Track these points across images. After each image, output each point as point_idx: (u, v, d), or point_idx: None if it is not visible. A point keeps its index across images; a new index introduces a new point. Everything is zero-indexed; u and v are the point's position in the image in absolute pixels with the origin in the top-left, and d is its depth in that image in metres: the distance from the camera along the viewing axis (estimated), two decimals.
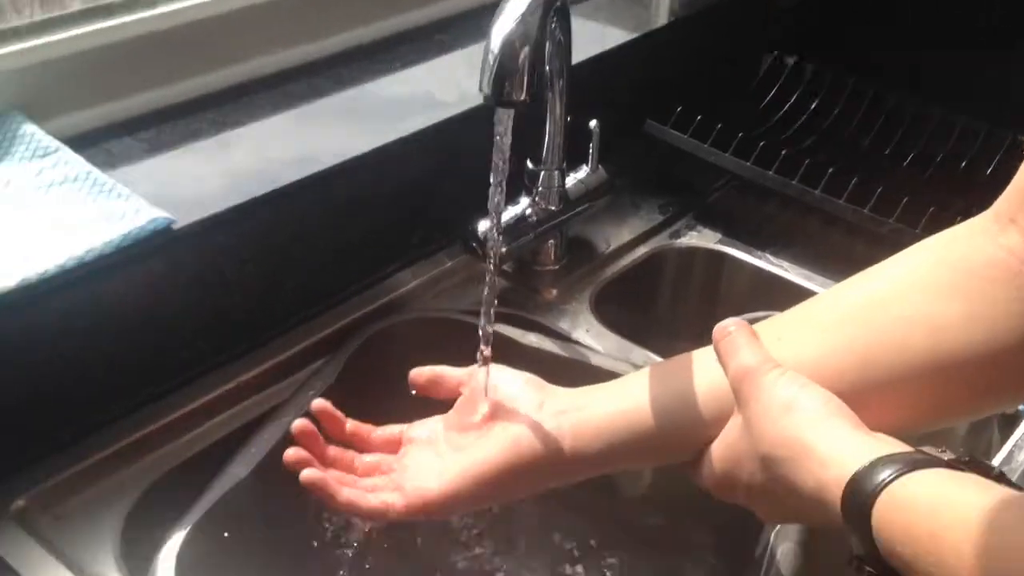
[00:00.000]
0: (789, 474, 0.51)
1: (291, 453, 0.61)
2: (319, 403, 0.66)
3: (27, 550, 0.64)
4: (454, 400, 0.66)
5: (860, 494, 0.47)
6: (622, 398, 0.61)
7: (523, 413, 0.62)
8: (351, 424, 0.67)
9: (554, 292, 0.94)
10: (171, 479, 0.72)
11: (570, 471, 0.62)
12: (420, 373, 0.68)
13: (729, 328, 0.58)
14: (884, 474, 0.46)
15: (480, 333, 0.65)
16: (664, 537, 0.85)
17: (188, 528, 0.65)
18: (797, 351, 0.57)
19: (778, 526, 0.69)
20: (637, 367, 0.76)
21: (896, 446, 0.49)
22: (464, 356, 0.67)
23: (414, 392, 0.68)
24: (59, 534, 0.66)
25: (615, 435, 0.60)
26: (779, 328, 0.60)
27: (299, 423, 0.63)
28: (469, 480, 0.61)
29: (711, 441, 0.58)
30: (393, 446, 0.66)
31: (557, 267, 0.97)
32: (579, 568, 0.84)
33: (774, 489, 0.53)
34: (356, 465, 0.64)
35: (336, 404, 0.78)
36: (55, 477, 0.69)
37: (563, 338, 0.88)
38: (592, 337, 0.88)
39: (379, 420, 0.76)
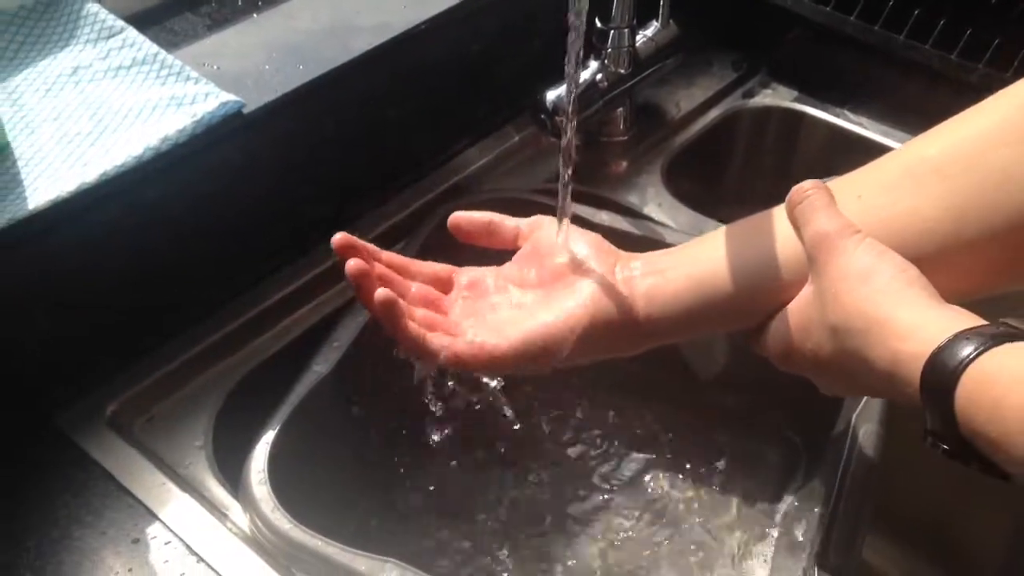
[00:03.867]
0: (862, 347, 0.49)
1: (352, 264, 0.57)
2: (339, 237, 0.59)
3: (122, 453, 0.66)
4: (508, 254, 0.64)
5: (942, 370, 0.44)
6: (696, 262, 0.59)
7: (596, 274, 0.59)
8: (387, 255, 0.62)
9: (624, 165, 0.92)
10: (257, 376, 0.72)
11: (641, 338, 0.60)
12: (469, 217, 0.64)
13: (807, 190, 0.54)
14: (968, 349, 0.44)
15: (559, 195, 0.61)
16: (742, 418, 0.85)
17: (276, 429, 0.66)
18: (880, 210, 0.54)
19: (860, 407, 0.69)
20: None
21: (975, 319, 0.47)
22: None
23: (458, 238, 0.64)
24: (151, 436, 0.67)
25: (689, 300, 0.58)
26: (859, 185, 0.56)
27: (337, 237, 0.58)
28: (538, 338, 0.57)
29: (782, 307, 0.56)
30: (441, 284, 0.63)
31: (626, 137, 0.94)
32: (656, 449, 0.85)
33: (843, 361, 0.51)
34: (406, 292, 0.61)
35: None
36: (145, 380, 0.70)
37: (635, 214, 0.85)
38: (664, 212, 0.86)
39: None
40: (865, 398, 0.68)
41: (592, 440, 0.85)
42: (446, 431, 0.77)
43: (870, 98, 0.99)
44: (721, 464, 0.83)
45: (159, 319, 0.71)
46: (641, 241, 0.82)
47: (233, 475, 0.65)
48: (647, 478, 0.84)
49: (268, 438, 0.65)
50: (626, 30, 0.88)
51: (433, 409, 0.66)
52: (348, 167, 0.80)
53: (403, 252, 0.79)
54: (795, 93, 1.01)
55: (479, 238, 0.64)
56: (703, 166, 0.97)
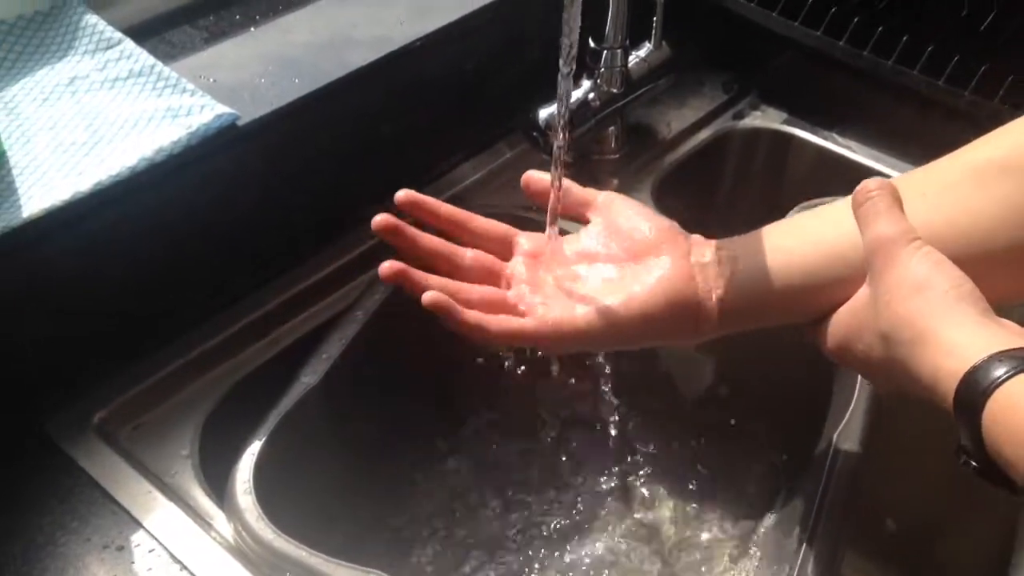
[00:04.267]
0: (907, 356, 0.50)
1: (386, 267, 0.58)
2: (402, 194, 0.62)
3: (108, 461, 0.66)
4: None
5: (974, 389, 0.45)
6: (766, 252, 0.59)
7: (670, 258, 0.60)
8: (446, 209, 0.63)
9: (615, 182, 0.92)
10: (245, 386, 0.73)
11: (709, 325, 0.59)
12: (540, 177, 0.64)
13: (871, 191, 0.54)
14: (1001, 371, 0.45)
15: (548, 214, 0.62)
16: (726, 434, 0.85)
17: (263, 439, 0.66)
18: (945, 208, 0.55)
19: (841, 425, 0.69)
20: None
21: (1021, 338, 0.47)
22: None
23: (526, 196, 0.64)
24: (138, 445, 0.68)
25: (759, 290, 0.58)
26: (924, 183, 0.57)
27: (378, 219, 0.59)
28: (608, 317, 0.57)
29: (844, 303, 0.57)
30: (498, 246, 0.63)
31: (618, 156, 0.95)
32: (641, 463, 0.86)
33: (890, 368, 0.52)
34: (461, 262, 0.61)
35: (401, 304, 0.79)
36: (132, 389, 0.70)
37: None
38: None
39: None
40: (846, 417, 0.69)
41: (575, 456, 0.86)
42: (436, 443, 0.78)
43: (859, 122, 1.00)
44: (704, 481, 0.84)
45: (150, 327, 0.72)
46: None
47: (219, 484, 0.65)
48: (629, 494, 0.84)
49: (254, 448, 0.66)
50: (619, 51, 0.89)
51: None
52: (342, 180, 0.81)
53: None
54: (784, 115, 1.02)
55: (545, 198, 0.63)
56: (693, 186, 0.98)
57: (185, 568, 0.60)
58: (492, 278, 0.62)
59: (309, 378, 0.72)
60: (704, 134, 0.99)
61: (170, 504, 0.64)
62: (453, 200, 0.87)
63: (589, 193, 0.65)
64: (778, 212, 0.89)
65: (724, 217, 1.02)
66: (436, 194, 0.87)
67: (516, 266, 0.62)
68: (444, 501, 0.82)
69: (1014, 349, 0.46)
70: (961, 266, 0.51)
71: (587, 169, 0.93)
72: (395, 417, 0.77)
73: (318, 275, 0.79)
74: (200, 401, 0.71)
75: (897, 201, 0.54)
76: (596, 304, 0.58)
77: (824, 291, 0.58)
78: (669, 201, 0.91)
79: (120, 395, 0.70)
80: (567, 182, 0.64)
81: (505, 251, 0.64)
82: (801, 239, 0.59)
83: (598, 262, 0.62)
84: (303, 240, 0.80)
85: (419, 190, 0.87)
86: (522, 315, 0.59)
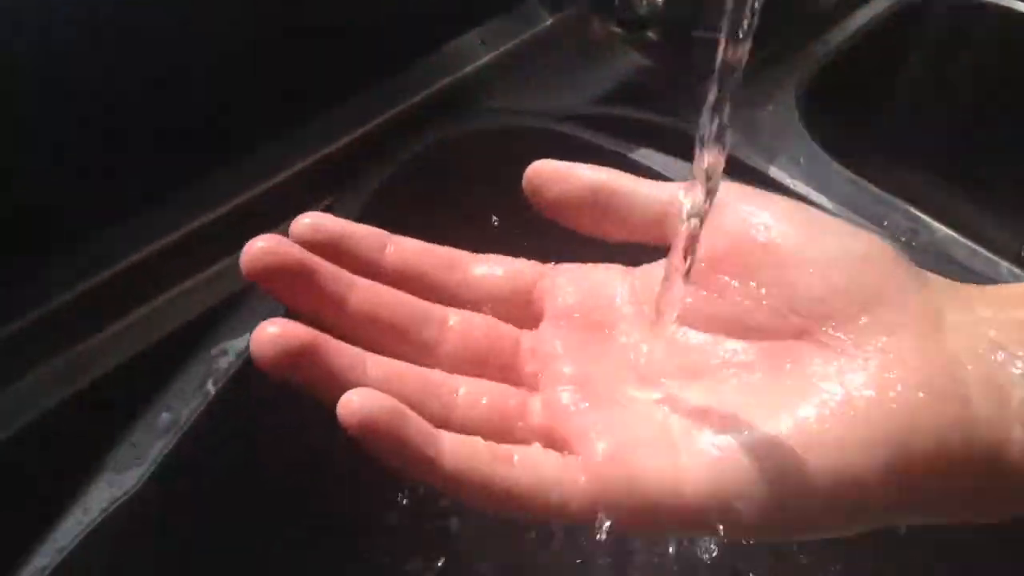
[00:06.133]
0: None
1: (266, 341, 0.26)
2: (305, 222, 0.30)
3: None
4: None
5: None
6: None
7: (914, 337, 0.27)
8: (399, 253, 0.31)
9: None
10: None
11: (1001, 498, 0.28)
12: (554, 170, 0.31)
13: None
14: None
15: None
16: None
17: None
18: None
19: None
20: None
21: None
22: None
23: (542, 211, 0.32)
24: None
25: None
26: None
27: (254, 250, 0.28)
28: (792, 478, 0.26)
29: None
30: (510, 305, 0.32)
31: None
32: None
33: None
34: (435, 334, 0.30)
35: None
36: None
37: (755, 174, 0.48)
38: (807, 174, 0.48)
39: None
40: None
41: None
42: None
43: None
44: None
45: None
46: None
47: None
48: None
49: None
50: None
51: None
52: (281, 50, 0.44)
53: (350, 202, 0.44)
54: None
55: (577, 217, 0.32)
56: (862, 96, 0.61)
57: None
58: (497, 370, 0.30)
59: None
60: (879, 5, 0.60)
61: None
62: (451, 97, 0.51)
63: (667, 192, 0.31)
64: None
65: (916, 156, 0.63)
66: (424, 84, 0.51)
67: (548, 340, 0.31)
68: None
69: None
70: None
71: (684, 54, 0.56)
72: (255, 530, 0.42)
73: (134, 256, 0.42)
74: None
75: None
76: (717, 458, 0.27)
77: None
78: (824, 127, 0.53)
79: None
80: (612, 178, 0.32)
81: (522, 314, 0.32)
82: None
83: (732, 336, 0.30)
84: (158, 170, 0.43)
85: (399, 73, 0.50)
86: (560, 449, 0.28)
